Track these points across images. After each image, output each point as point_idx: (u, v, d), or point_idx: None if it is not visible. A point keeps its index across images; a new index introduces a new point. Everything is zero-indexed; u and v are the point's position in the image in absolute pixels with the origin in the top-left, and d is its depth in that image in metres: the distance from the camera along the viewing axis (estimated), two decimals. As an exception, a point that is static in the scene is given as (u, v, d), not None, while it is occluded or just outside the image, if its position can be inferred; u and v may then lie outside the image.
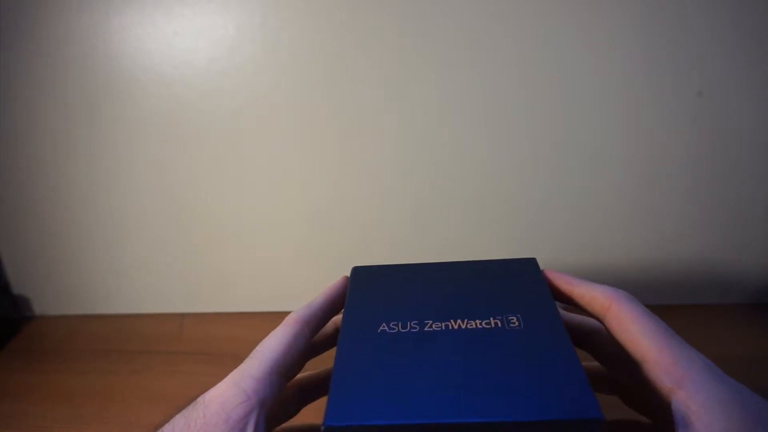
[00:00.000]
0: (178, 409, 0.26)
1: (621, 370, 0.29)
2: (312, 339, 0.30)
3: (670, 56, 0.46)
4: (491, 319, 0.28)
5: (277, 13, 0.47)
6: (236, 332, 0.57)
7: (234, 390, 0.25)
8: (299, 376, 0.32)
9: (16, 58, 0.50)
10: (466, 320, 0.28)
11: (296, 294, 0.57)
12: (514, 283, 0.30)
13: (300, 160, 0.52)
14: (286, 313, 0.30)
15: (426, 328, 0.27)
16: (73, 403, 0.48)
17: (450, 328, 0.27)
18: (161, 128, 0.52)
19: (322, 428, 0.23)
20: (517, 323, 0.27)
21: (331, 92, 0.49)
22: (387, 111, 0.50)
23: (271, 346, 0.28)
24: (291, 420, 0.32)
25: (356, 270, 0.34)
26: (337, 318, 0.33)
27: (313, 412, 0.30)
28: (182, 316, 0.60)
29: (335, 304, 0.32)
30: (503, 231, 0.54)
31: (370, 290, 0.31)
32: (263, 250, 0.57)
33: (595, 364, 0.32)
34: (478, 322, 0.27)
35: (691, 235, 0.53)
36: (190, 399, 0.26)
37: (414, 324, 0.28)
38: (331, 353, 0.28)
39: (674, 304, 0.56)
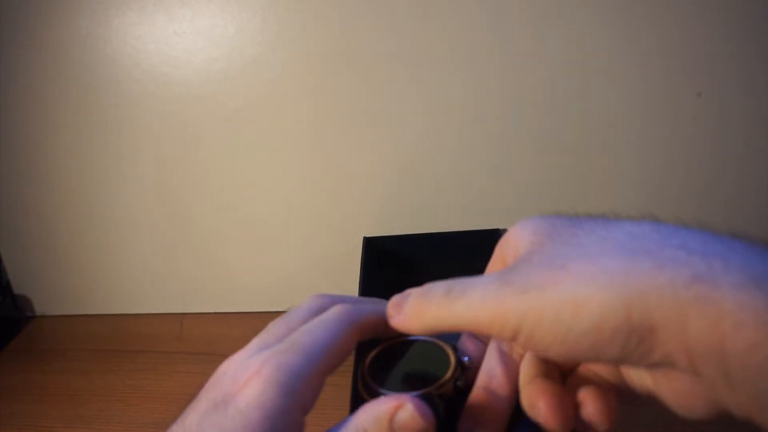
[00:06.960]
0: (181, 408, 0.23)
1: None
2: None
3: (670, 57, 0.46)
4: None
5: (277, 13, 0.47)
6: (236, 332, 0.57)
7: (279, 391, 0.21)
8: None
9: (17, 59, 0.50)
10: None
11: (296, 294, 0.58)
12: None
13: (300, 160, 0.53)
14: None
15: None
16: (74, 402, 0.48)
17: None
18: (161, 128, 0.52)
19: None
20: None
21: (331, 92, 0.49)
22: (387, 110, 0.50)
23: (318, 340, 0.23)
24: None
25: None
26: None
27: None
28: (182, 316, 0.60)
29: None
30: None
31: None
32: (263, 250, 0.57)
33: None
34: None
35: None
36: (191, 398, 0.24)
37: None
38: None
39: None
